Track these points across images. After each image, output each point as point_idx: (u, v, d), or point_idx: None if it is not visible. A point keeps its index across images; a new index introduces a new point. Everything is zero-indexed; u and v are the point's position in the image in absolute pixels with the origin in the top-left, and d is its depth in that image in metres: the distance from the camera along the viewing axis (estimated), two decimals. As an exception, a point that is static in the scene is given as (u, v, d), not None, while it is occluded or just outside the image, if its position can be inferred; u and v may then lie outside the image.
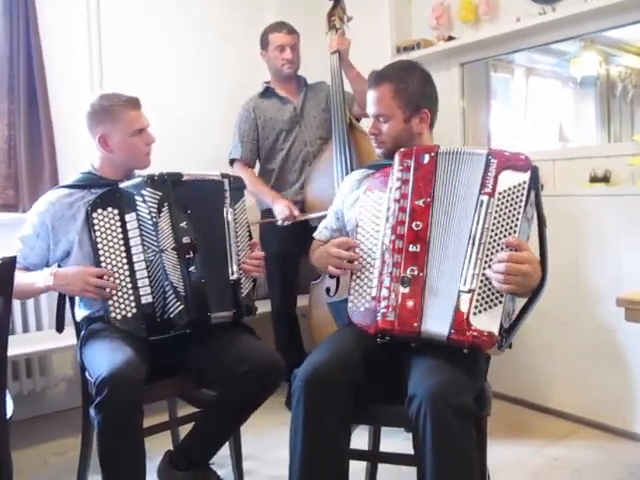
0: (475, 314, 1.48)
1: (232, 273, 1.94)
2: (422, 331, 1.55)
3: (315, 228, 2.12)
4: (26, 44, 2.84)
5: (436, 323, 1.54)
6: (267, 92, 3.02)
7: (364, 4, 3.19)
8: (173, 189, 1.89)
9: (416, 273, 1.58)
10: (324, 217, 2.09)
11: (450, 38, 3.10)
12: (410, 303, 1.57)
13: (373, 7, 3.30)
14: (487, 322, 1.48)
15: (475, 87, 3.29)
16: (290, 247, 2.87)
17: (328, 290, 2.58)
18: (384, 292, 1.61)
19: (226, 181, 1.99)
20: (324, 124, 2.97)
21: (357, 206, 1.79)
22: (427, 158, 1.64)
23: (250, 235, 2.05)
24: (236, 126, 3.01)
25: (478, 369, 1.65)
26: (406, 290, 1.58)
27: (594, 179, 2.63)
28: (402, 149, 1.70)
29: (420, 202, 1.62)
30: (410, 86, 1.80)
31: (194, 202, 1.92)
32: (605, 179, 2.61)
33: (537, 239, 1.57)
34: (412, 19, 3.38)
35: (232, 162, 3.02)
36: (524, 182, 1.51)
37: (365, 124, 2.55)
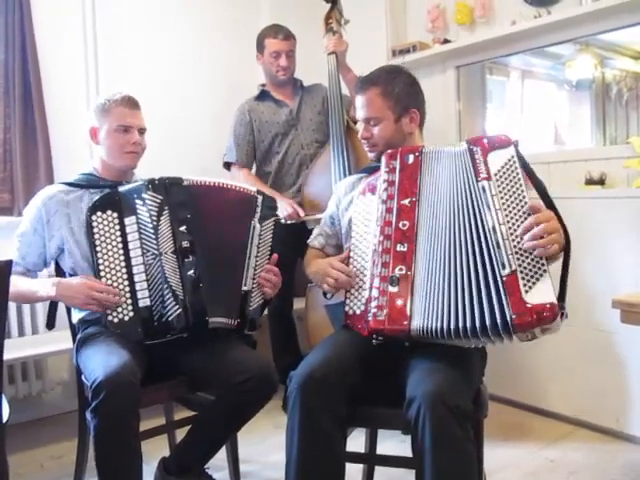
0: (527, 292, 1.44)
1: (244, 284, 1.94)
2: (412, 329, 1.54)
3: (312, 230, 2.12)
4: (21, 47, 2.83)
5: (434, 319, 1.52)
6: (263, 95, 3.02)
7: (360, 7, 3.20)
8: (174, 193, 1.90)
9: (404, 272, 1.59)
10: None
11: (446, 41, 3.11)
12: (399, 302, 1.57)
13: (369, 10, 3.31)
14: (542, 295, 1.44)
15: (471, 90, 3.30)
16: (286, 249, 2.85)
17: (325, 293, 2.58)
18: (374, 293, 1.62)
19: (260, 197, 2.00)
20: (320, 127, 2.97)
21: (351, 210, 1.80)
22: (412, 158, 1.67)
23: (270, 256, 2.02)
24: (232, 129, 3.01)
25: (474, 371, 1.65)
26: (395, 289, 1.59)
27: (590, 182, 2.64)
28: (388, 151, 1.72)
29: (406, 202, 1.63)
30: (397, 87, 1.83)
31: (211, 209, 1.93)
32: (601, 182, 2.62)
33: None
34: (407, 22, 3.39)
35: (228, 165, 3.02)
36: (512, 156, 1.55)
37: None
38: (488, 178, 1.54)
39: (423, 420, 1.40)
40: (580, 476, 2.24)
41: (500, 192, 1.52)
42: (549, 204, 1.57)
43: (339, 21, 2.91)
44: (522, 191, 1.51)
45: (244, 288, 1.94)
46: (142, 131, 2.02)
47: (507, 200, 1.51)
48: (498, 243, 1.49)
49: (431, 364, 1.54)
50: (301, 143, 2.95)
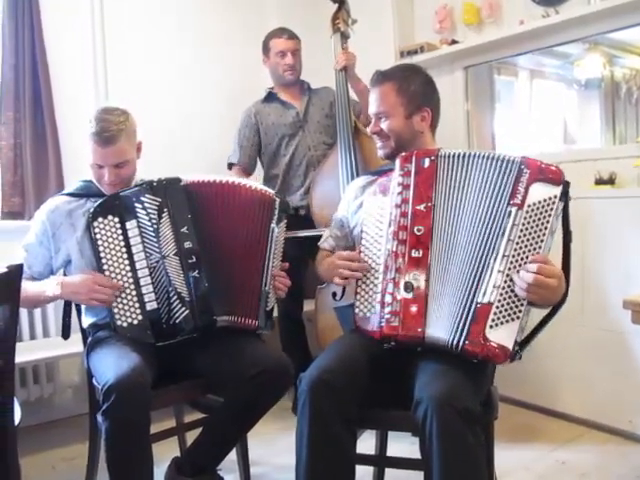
0: (492, 327, 1.46)
1: (265, 285, 1.95)
2: (426, 336, 1.55)
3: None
4: (31, 53, 2.85)
5: (441, 328, 1.54)
6: (270, 97, 3.03)
7: (367, 8, 3.20)
8: (172, 194, 1.90)
9: (419, 279, 1.58)
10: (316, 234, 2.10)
11: (453, 42, 3.10)
12: (414, 309, 1.56)
13: (376, 11, 3.31)
14: (503, 336, 1.46)
15: (479, 90, 3.29)
16: (295, 250, 2.86)
17: (334, 294, 2.57)
18: (388, 298, 1.61)
19: (278, 200, 2.00)
20: (328, 129, 2.97)
21: (362, 212, 1.79)
22: (427, 162, 1.63)
23: (283, 257, 2.04)
24: (237, 131, 3.02)
25: (484, 373, 1.65)
26: (409, 296, 1.58)
27: (599, 181, 2.63)
28: (403, 154, 1.70)
29: (421, 207, 1.61)
30: (412, 85, 1.82)
31: (218, 207, 1.93)
32: (610, 181, 2.60)
33: (560, 252, 1.55)
34: (415, 23, 3.39)
35: (230, 167, 3.03)
36: (555, 196, 1.47)
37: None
38: (520, 206, 1.48)
39: (430, 422, 1.40)
40: (591, 478, 2.23)
41: (523, 225, 1.47)
42: (566, 259, 1.55)
43: (346, 21, 2.90)
44: (543, 235, 1.46)
45: (265, 289, 1.94)
46: (121, 165, 1.90)
47: (525, 236, 1.47)
48: (492, 271, 1.49)
49: (440, 366, 1.53)
50: (308, 145, 2.96)
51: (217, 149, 3.18)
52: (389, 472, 2.01)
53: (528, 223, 1.47)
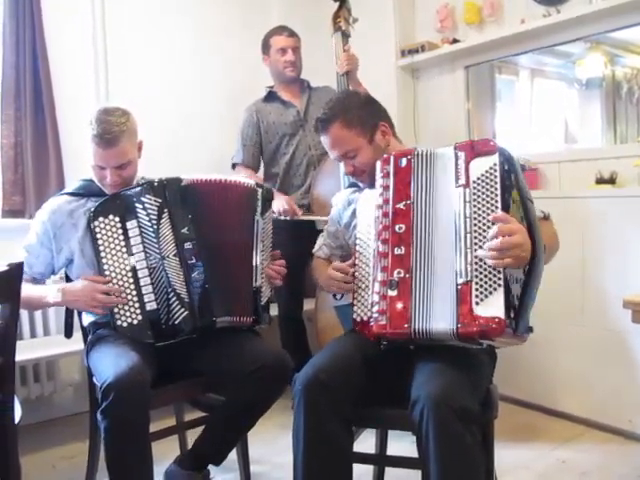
0: (478, 303, 1.45)
1: (255, 281, 1.95)
2: (413, 331, 1.54)
3: (321, 231, 2.12)
4: (32, 51, 2.86)
5: (428, 322, 1.52)
6: (270, 96, 3.03)
7: (368, 7, 3.20)
8: (173, 195, 1.90)
9: (402, 275, 1.58)
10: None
11: (455, 41, 3.10)
12: (399, 305, 1.56)
13: (377, 10, 3.31)
14: (491, 308, 1.44)
15: (480, 89, 3.29)
16: (296, 248, 2.85)
17: (334, 294, 2.58)
18: (375, 297, 1.61)
19: (260, 190, 2.00)
20: (328, 128, 2.97)
21: (355, 220, 1.82)
22: (404, 162, 1.66)
23: (273, 245, 2.05)
24: (239, 130, 3.02)
25: (482, 372, 1.65)
26: (394, 293, 1.58)
27: (600, 181, 2.62)
28: (384, 155, 1.71)
29: (401, 205, 1.63)
30: (355, 111, 1.83)
31: (214, 207, 1.93)
32: (611, 181, 2.60)
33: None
34: (416, 22, 3.38)
35: (234, 166, 3.03)
36: (494, 164, 1.51)
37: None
38: (466, 185, 1.53)
39: (427, 421, 1.40)
40: (591, 477, 2.23)
41: (474, 200, 1.50)
42: (525, 213, 1.52)
43: (347, 20, 2.90)
44: (495, 201, 1.48)
45: (256, 285, 1.95)
46: (123, 166, 1.88)
47: (479, 209, 1.50)
48: (461, 251, 1.49)
49: (436, 365, 1.54)
50: (309, 144, 2.96)
51: (217, 148, 3.19)
52: (389, 471, 2.02)
53: (478, 196, 1.50)
